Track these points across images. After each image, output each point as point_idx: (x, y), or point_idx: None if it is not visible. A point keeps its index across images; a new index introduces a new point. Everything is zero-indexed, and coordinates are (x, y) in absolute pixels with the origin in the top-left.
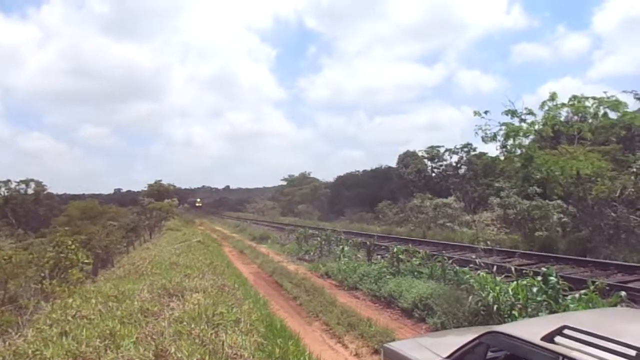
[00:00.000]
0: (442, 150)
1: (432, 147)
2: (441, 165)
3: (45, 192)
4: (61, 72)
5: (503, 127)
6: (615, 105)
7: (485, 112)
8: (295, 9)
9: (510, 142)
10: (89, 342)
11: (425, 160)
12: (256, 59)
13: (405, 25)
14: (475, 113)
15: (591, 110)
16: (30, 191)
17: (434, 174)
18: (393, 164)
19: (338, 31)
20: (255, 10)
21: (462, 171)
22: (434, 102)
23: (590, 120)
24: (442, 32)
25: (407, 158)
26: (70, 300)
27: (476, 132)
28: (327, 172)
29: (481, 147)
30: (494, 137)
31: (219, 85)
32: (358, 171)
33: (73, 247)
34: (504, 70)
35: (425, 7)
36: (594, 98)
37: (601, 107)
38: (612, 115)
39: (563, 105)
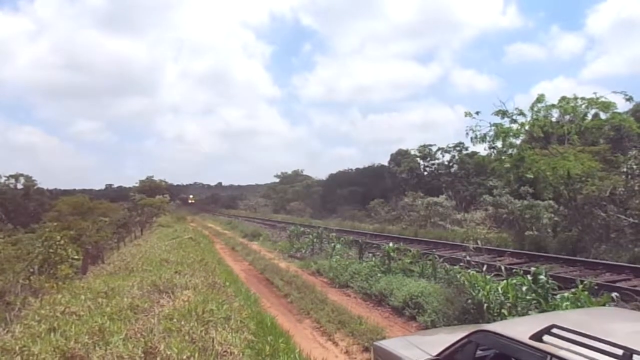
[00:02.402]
0: (434, 149)
1: (424, 145)
2: (433, 164)
3: (35, 187)
4: (54, 65)
5: (493, 128)
6: (604, 106)
7: (477, 113)
8: (291, 6)
9: (499, 143)
10: (77, 338)
11: (418, 159)
12: (251, 56)
13: (400, 24)
14: (466, 114)
15: (580, 110)
16: (20, 186)
17: (426, 173)
18: (386, 162)
19: (333, 29)
20: (251, 7)
21: (454, 170)
22: (428, 101)
23: (577, 121)
24: (437, 31)
25: (400, 156)
26: (59, 296)
27: (467, 133)
28: (319, 170)
29: (473, 146)
30: (483, 138)
31: (213, 82)
32: (351, 169)
33: (62, 242)
34: (499, 69)
35: (420, 6)
36: (582, 99)
37: (590, 108)
38: (604, 116)
39: (553, 106)
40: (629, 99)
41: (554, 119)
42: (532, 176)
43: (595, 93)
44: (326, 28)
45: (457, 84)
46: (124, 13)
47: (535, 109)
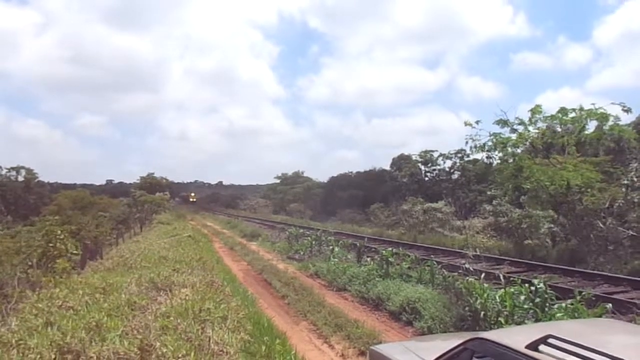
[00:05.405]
0: (435, 155)
1: (426, 151)
2: (435, 170)
3: (36, 180)
4: (60, 59)
5: (492, 138)
6: (603, 117)
7: (477, 122)
8: (299, 7)
9: (497, 152)
10: (74, 333)
11: (419, 164)
12: (257, 55)
13: (408, 28)
14: (466, 123)
15: (579, 121)
16: (20, 178)
17: (427, 178)
18: (388, 166)
19: (341, 31)
20: (260, 6)
21: (455, 176)
22: (433, 107)
23: (576, 132)
24: (445, 36)
25: (401, 161)
26: (57, 290)
27: (466, 142)
28: (321, 172)
29: (475, 154)
30: (482, 148)
31: (218, 80)
32: (351, 172)
33: (62, 237)
34: (505, 77)
35: (429, 11)
36: (581, 109)
37: (589, 119)
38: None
39: (552, 117)
40: (627, 111)
41: (558, 129)
42: (528, 186)
43: (593, 104)
44: (334, 30)
45: (462, 90)
46: (131, 8)
47: (534, 119)
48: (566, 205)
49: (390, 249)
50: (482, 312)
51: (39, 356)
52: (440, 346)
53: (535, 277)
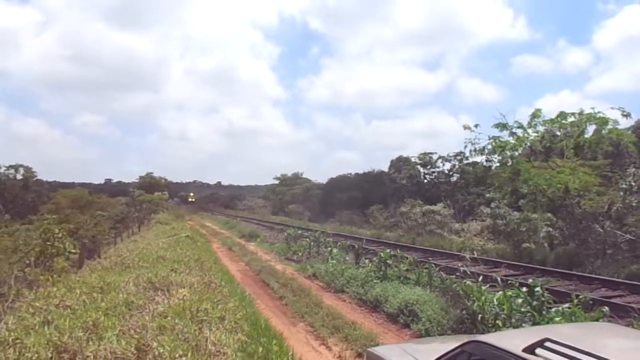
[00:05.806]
0: (435, 157)
1: (425, 153)
2: (433, 172)
3: (34, 179)
4: (60, 57)
5: (491, 142)
6: (602, 121)
7: (475, 126)
8: (300, 8)
9: (496, 156)
10: (71, 332)
11: (418, 167)
12: (258, 56)
13: (408, 30)
14: (465, 127)
15: (578, 125)
16: (19, 177)
17: (426, 181)
18: (387, 168)
19: (341, 33)
20: (260, 7)
21: (454, 179)
22: (433, 109)
23: (574, 137)
24: (446, 38)
25: (400, 163)
26: (54, 289)
27: (466, 145)
28: (320, 173)
29: (474, 157)
30: (482, 151)
31: (218, 80)
32: (350, 174)
33: (60, 235)
34: (504, 80)
35: (429, 13)
36: (580, 113)
37: (588, 124)
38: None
39: (552, 121)
40: (627, 115)
41: (557, 133)
42: (526, 190)
43: (593, 108)
44: (334, 31)
45: (462, 92)
46: (132, 7)
47: (533, 123)
48: (564, 208)
49: (388, 250)
50: (480, 315)
51: (35, 355)
52: (438, 349)
53: (533, 280)
